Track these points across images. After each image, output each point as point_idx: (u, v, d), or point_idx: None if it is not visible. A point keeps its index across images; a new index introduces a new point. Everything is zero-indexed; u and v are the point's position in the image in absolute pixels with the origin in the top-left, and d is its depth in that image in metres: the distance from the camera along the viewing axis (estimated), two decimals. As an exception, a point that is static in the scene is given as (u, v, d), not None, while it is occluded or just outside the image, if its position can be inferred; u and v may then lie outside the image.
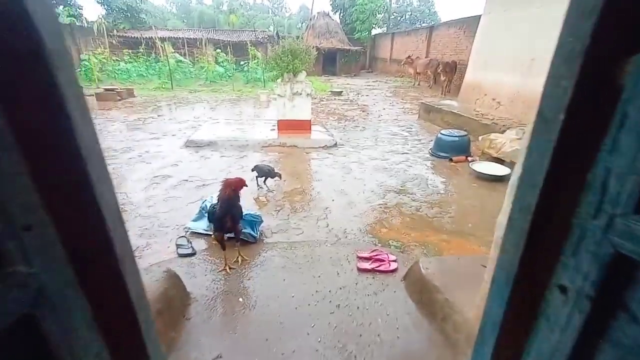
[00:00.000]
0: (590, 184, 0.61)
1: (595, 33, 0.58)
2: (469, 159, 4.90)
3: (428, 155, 5.23)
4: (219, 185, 2.30)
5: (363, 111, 9.08)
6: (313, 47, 6.03)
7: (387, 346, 1.71)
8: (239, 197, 2.32)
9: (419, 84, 14.71)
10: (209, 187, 3.75)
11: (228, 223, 2.25)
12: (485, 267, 1.64)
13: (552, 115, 0.65)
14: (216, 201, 2.31)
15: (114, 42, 16.55)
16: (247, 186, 2.34)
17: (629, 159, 0.53)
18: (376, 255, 2.51)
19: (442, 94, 11.46)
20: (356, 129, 6.98)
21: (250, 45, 16.52)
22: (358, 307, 2.00)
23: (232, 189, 2.24)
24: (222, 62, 15.71)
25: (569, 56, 0.63)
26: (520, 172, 0.79)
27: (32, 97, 0.50)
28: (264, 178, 3.73)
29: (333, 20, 22.13)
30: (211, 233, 2.69)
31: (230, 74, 14.85)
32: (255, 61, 15.54)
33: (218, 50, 16.46)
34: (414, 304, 1.99)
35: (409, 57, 15.54)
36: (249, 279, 2.24)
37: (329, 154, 5.23)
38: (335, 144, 5.63)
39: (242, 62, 15.97)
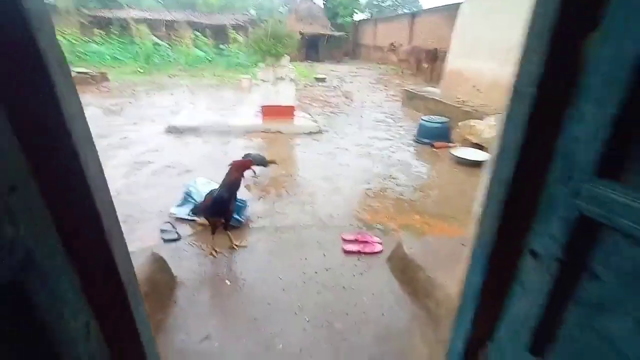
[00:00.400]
0: (558, 152, 0.65)
1: (561, 10, 0.61)
2: (450, 144, 5.02)
3: (411, 141, 5.32)
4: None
5: (347, 98, 9.06)
6: (296, 32, 5.92)
7: (373, 323, 1.78)
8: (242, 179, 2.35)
9: (402, 72, 14.76)
10: (192, 173, 3.68)
11: (232, 206, 2.28)
12: (465, 246, 1.72)
13: (525, 89, 0.69)
14: (219, 186, 2.29)
15: (83, 21, 15.62)
16: (252, 168, 2.33)
17: (592, 127, 0.57)
18: (361, 237, 2.57)
19: (424, 81, 11.57)
20: (340, 116, 6.98)
21: (231, 29, 16.01)
22: (344, 287, 2.06)
23: (242, 171, 2.27)
24: (202, 45, 15.17)
25: (539, 32, 0.66)
26: (498, 146, 0.84)
27: (13, 56, 0.48)
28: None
29: (315, 4, 21.69)
30: (195, 218, 2.68)
31: (210, 59, 14.39)
32: (236, 45, 15.09)
33: (197, 33, 15.86)
34: (398, 283, 2.07)
35: (392, 44, 15.53)
36: (235, 263, 2.26)
37: (314, 140, 5.23)
38: (320, 130, 5.62)
39: (222, 46, 15.48)
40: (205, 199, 2.35)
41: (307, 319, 1.78)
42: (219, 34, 16.63)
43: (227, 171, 2.30)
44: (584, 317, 0.68)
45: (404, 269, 2.06)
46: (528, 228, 0.75)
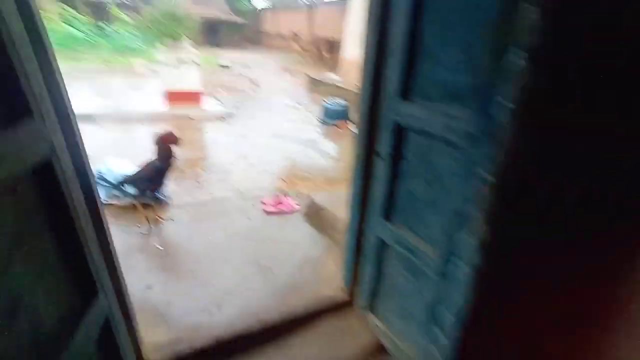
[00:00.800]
0: (382, 89, 1.15)
1: (381, 5, 1.09)
2: (350, 123, 5.78)
3: (317, 122, 5.90)
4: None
5: (254, 84, 9.19)
6: (195, 14, 5.81)
7: (293, 257, 2.20)
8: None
9: (305, 60, 15.43)
10: (98, 161, 3.47)
11: (167, 176, 2.54)
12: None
13: (370, 56, 1.17)
14: (156, 159, 2.46)
15: None
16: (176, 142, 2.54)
17: (393, 71, 1.07)
18: (279, 201, 2.96)
19: (326, 68, 12.42)
20: (249, 101, 7.15)
21: (113, 6, 14.05)
22: (268, 238, 2.42)
23: (170, 143, 2.47)
24: (75, 22, 12.93)
25: (374, 19, 1.14)
26: (360, 98, 1.32)
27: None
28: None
29: (212, -14, 20.56)
30: (112, 202, 2.66)
31: (90, 39, 12.47)
32: (123, 25, 13.39)
33: (67, 7, 13.41)
34: (312, 228, 2.55)
35: (294, 33, 16.03)
36: (163, 233, 2.39)
37: (225, 124, 5.34)
38: (230, 114, 5.73)
39: (103, 25, 13.49)
40: (142, 170, 2.49)
41: (239, 262, 2.10)
42: (98, 10, 14.42)
43: (155, 147, 2.46)
44: (404, 186, 1.20)
45: (315, 215, 2.54)
46: (376, 140, 1.25)
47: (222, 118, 5.55)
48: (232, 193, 3.17)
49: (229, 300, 1.77)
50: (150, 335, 1.45)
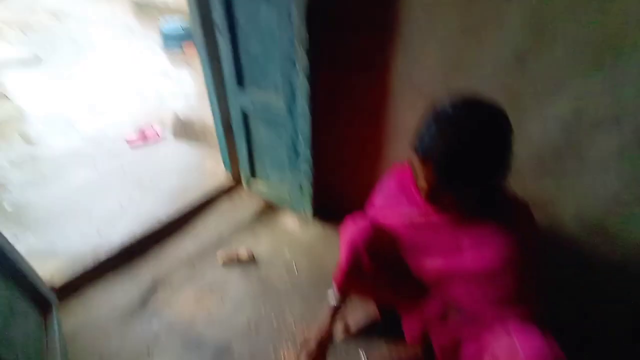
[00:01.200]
0: None
1: None
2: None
3: (158, 50, 5.23)
4: None
5: (54, 17, 7.12)
6: None
7: (174, 171, 2.26)
8: None
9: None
10: None
11: None
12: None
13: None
14: None
15: None
16: None
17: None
18: (143, 133, 2.78)
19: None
20: (59, 38, 5.65)
21: None
22: (143, 165, 2.35)
23: None
24: None
25: None
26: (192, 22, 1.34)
27: None
28: None
29: None
30: None
31: None
32: None
33: None
34: (185, 142, 2.59)
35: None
36: (7, 197, 2.06)
37: (32, 69, 4.23)
38: (36, 57, 4.51)
39: None
40: None
41: (119, 191, 2.05)
42: None
43: None
44: (245, 50, 1.39)
45: (184, 129, 2.57)
46: (211, 14, 1.37)
47: (26, 63, 4.34)
48: (82, 142, 2.77)
49: (118, 219, 1.79)
50: (45, 268, 1.42)
